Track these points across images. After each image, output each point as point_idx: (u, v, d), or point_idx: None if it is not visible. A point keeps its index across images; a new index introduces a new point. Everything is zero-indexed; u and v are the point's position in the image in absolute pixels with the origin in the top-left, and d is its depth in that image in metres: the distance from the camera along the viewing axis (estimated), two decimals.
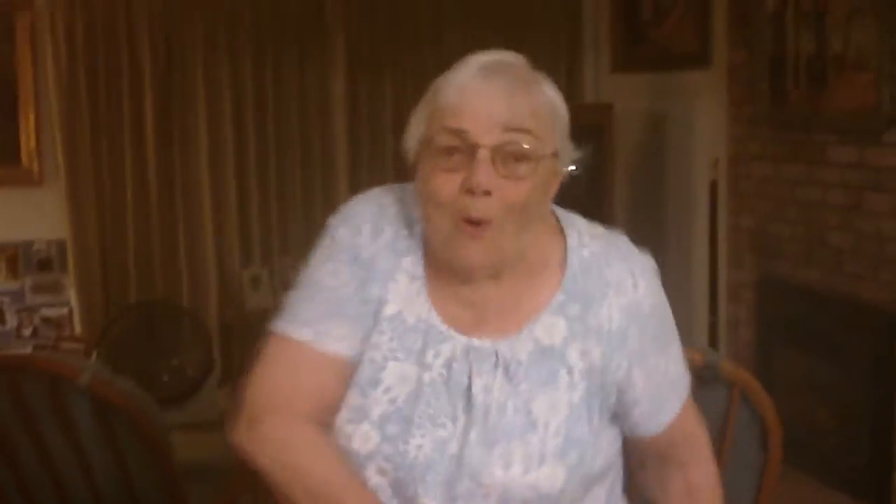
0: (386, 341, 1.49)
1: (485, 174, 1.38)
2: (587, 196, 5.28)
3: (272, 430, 1.48)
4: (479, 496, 1.45)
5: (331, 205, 5.30)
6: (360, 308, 1.50)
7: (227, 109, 5.32)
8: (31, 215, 5.07)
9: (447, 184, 1.41)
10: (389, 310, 1.50)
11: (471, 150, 1.39)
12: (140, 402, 2.31)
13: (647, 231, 5.56)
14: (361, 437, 1.47)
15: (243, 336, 5.18)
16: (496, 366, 1.47)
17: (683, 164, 5.20)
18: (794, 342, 4.33)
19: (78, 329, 5.13)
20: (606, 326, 1.50)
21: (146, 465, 2.36)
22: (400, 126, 1.57)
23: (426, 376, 1.47)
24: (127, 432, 2.31)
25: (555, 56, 5.76)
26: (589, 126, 5.33)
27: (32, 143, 5.02)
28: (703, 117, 5.02)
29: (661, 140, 5.42)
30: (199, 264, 5.35)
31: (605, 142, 5.27)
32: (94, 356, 4.73)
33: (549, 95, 1.47)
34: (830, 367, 4.12)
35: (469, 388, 1.47)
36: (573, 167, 1.51)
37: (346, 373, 1.50)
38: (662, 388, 1.57)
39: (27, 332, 5.05)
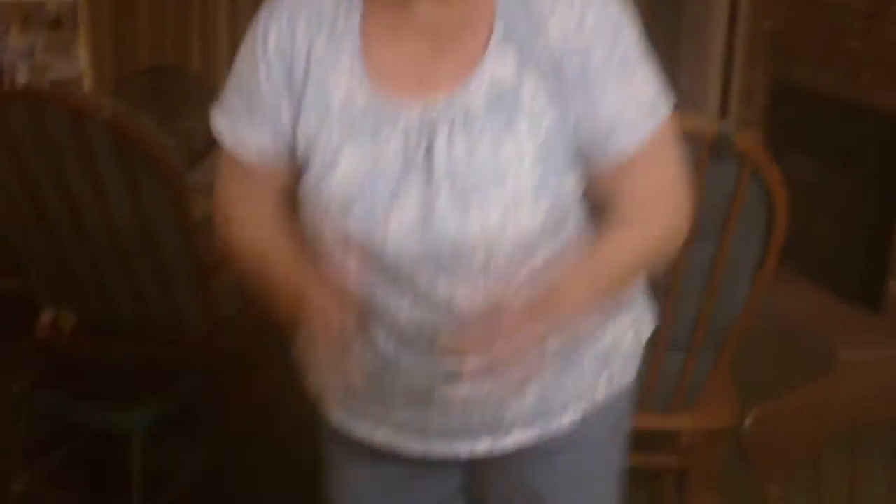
0: (336, 135, 1.38)
1: None
2: None
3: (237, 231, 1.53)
4: (465, 263, 1.35)
5: None
6: (280, 104, 1.43)
7: None
8: None
9: None
10: (335, 101, 1.38)
11: None
12: (159, 140, 2.33)
13: (664, 29, 5.49)
14: (330, 227, 1.39)
15: None
16: (454, 123, 1.34)
17: None
18: (801, 147, 4.34)
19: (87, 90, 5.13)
20: (555, 51, 1.33)
21: (162, 204, 2.40)
22: None
23: (382, 156, 1.35)
24: (145, 170, 2.35)
25: None
26: None
27: None
28: None
29: None
30: (211, 31, 5.29)
31: None
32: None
33: None
34: (836, 174, 4.15)
35: (430, 152, 1.34)
36: None
37: (280, 166, 1.46)
38: (628, 111, 1.36)
39: None
